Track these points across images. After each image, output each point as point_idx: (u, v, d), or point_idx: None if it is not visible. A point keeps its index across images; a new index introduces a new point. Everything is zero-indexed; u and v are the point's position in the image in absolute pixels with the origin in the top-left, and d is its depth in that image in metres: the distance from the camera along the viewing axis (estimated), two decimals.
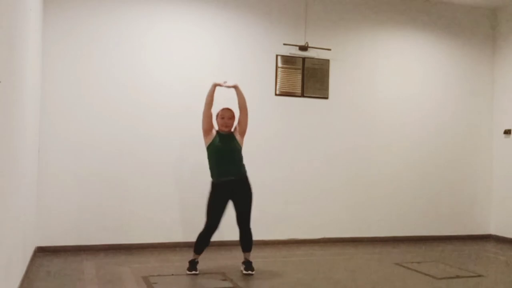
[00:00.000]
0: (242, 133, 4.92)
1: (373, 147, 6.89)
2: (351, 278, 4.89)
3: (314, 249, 6.24)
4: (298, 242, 6.47)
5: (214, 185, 4.83)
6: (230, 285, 4.45)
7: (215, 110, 4.90)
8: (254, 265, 4.86)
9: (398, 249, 6.40)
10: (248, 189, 4.84)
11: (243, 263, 4.88)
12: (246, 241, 4.85)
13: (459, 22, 7.33)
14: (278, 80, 6.47)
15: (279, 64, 6.48)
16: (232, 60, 6.28)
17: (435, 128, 7.19)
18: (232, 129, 4.91)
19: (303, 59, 6.57)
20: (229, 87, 4.90)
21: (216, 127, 4.92)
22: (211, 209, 4.78)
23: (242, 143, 4.92)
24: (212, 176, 4.84)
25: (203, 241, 4.80)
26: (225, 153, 4.80)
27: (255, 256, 5.00)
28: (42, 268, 4.86)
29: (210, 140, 4.84)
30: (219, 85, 4.89)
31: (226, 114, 4.85)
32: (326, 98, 6.67)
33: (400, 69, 7.06)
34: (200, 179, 5.63)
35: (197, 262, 4.82)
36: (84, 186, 5.68)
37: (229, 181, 4.76)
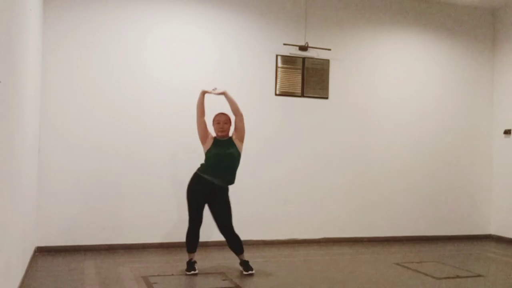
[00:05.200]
0: (241, 139, 4.87)
1: (373, 147, 6.89)
2: (351, 278, 4.89)
3: (314, 249, 6.24)
4: (298, 242, 6.47)
5: (195, 177, 4.79)
6: (230, 285, 4.45)
7: (211, 115, 4.88)
8: (253, 265, 4.86)
9: (398, 249, 6.40)
10: (225, 199, 4.79)
11: (241, 264, 4.87)
12: (235, 245, 4.84)
13: (459, 22, 7.33)
14: (278, 80, 6.47)
15: (279, 64, 6.48)
16: (232, 60, 6.28)
17: (435, 128, 7.19)
18: (230, 134, 4.89)
19: (303, 59, 6.57)
20: (218, 94, 4.84)
21: (213, 133, 4.90)
22: (191, 204, 4.78)
23: (242, 148, 4.88)
24: (199, 169, 4.82)
25: (192, 238, 4.80)
26: (222, 161, 4.76)
27: (255, 256, 5.00)
28: (42, 268, 4.86)
29: (208, 147, 4.83)
30: (208, 92, 4.86)
31: (222, 119, 4.82)
32: (326, 98, 6.67)
33: (400, 69, 7.06)
34: None
35: (195, 262, 4.81)
36: (84, 186, 5.69)
37: (211, 183, 4.73)
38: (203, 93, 4.86)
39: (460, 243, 6.93)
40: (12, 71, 3.29)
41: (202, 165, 4.85)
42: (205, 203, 4.82)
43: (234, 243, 4.82)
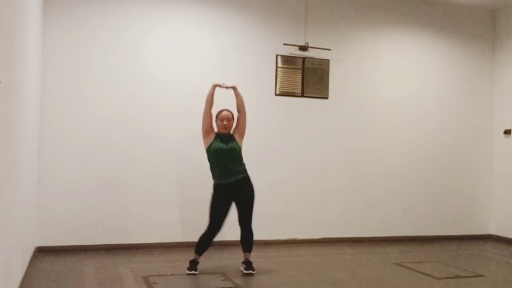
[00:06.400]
0: (241, 135, 4.93)
1: (373, 147, 6.89)
2: (351, 278, 4.90)
3: (314, 249, 6.24)
4: (298, 242, 6.47)
5: (215, 187, 4.83)
6: (230, 285, 4.45)
7: (214, 111, 4.92)
8: (254, 265, 4.86)
9: (398, 249, 6.41)
10: (250, 188, 4.84)
11: (243, 263, 4.88)
12: (247, 241, 4.86)
13: (459, 22, 7.33)
14: (278, 80, 6.47)
15: (279, 64, 6.48)
16: (232, 60, 6.28)
17: (435, 128, 7.19)
18: (231, 131, 4.93)
19: (303, 59, 6.57)
20: (228, 88, 4.96)
21: (215, 129, 4.93)
22: (213, 211, 4.78)
23: (242, 144, 4.93)
24: (213, 178, 4.85)
25: (205, 243, 4.81)
26: (224, 155, 4.79)
27: (255, 256, 5.00)
28: (42, 268, 4.86)
29: (209, 142, 4.86)
30: (219, 85, 4.95)
31: (225, 116, 4.87)
32: (326, 98, 6.67)
33: (400, 69, 7.06)
34: (200, 179, 5.65)
35: (198, 263, 4.82)
36: (84, 186, 5.69)
37: (230, 183, 4.77)
38: (214, 86, 4.94)
39: (460, 243, 6.93)
40: (12, 71, 3.29)
41: (211, 171, 4.86)
42: (230, 206, 4.83)
43: (247, 238, 4.85)
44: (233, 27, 6.33)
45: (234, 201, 4.83)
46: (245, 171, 4.86)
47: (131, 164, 5.86)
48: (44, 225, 5.50)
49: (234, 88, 4.95)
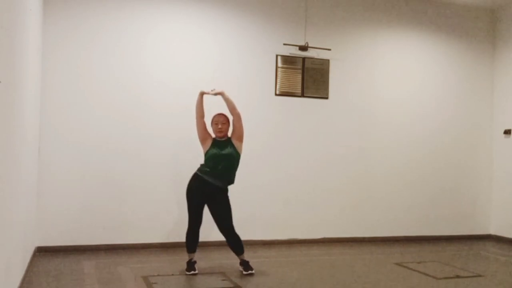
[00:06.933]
0: (239, 138, 4.87)
1: (373, 147, 6.89)
2: (351, 278, 4.89)
3: (314, 249, 6.24)
4: (298, 242, 6.47)
5: (195, 177, 4.80)
6: (230, 285, 4.45)
7: (210, 116, 4.90)
8: (253, 265, 4.86)
9: (398, 249, 6.41)
10: (225, 200, 4.80)
11: (241, 264, 4.88)
12: (235, 245, 4.85)
13: (459, 22, 7.33)
14: (278, 80, 6.47)
15: (279, 64, 6.48)
16: (232, 60, 6.28)
17: (435, 128, 7.19)
18: (229, 135, 4.91)
19: (303, 59, 6.57)
20: (215, 94, 4.86)
21: (212, 134, 4.91)
22: (191, 204, 4.79)
23: (241, 149, 4.88)
24: (199, 169, 4.83)
25: (192, 238, 4.81)
26: (220, 160, 4.75)
27: (255, 256, 5.01)
28: (42, 268, 4.86)
29: (206, 148, 4.86)
30: (206, 93, 4.89)
31: (219, 120, 4.84)
32: (326, 98, 6.67)
33: (400, 69, 7.06)
34: None
35: (195, 262, 4.82)
36: (84, 186, 5.69)
37: (210, 184, 4.73)
38: (201, 94, 4.90)
39: (460, 243, 6.93)
40: (12, 71, 3.29)
41: (201, 165, 4.86)
42: (204, 203, 4.82)
43: (234, 243, 4.83)
44: (233, 27, 6.33)
45: (207, 203, 4.81)
46: (230, 183, 4.82)
47: (131, 164, 5.86)
48: (44, 225, 5.50)
49: (221, 93, 4.85)
